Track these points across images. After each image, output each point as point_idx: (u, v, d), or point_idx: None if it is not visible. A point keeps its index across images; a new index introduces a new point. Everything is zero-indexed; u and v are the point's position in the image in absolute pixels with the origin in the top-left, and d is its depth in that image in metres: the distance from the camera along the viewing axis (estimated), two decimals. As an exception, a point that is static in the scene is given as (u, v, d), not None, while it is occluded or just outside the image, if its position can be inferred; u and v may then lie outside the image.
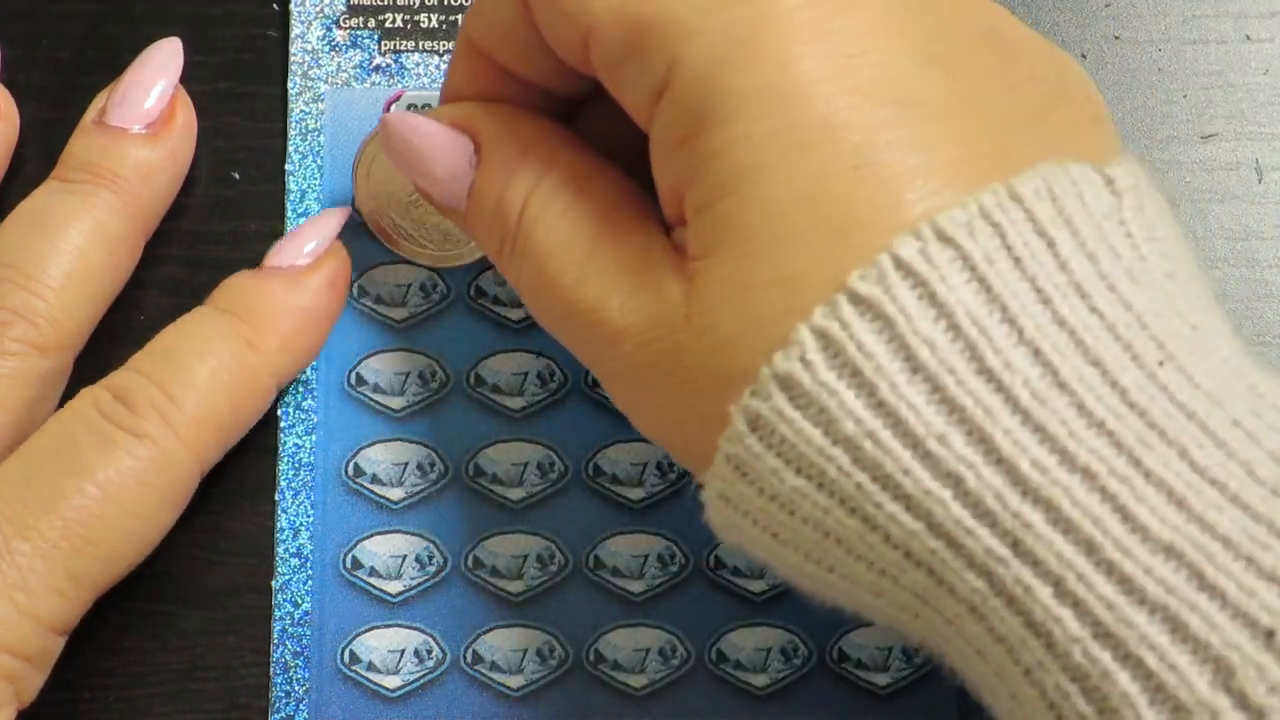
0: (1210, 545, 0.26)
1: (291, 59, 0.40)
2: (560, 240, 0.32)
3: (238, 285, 0.37)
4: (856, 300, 0.28)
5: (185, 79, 0.38)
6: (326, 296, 0.37)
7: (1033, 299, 0.28)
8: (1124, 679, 0.26)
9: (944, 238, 0.28)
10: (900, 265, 0.28)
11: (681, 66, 0.29)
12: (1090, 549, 0.26)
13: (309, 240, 0.37)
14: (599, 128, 0.35)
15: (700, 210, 0.30)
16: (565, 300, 0.32)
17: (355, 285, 0.39)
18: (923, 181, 0.28)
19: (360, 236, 0.39)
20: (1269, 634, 0.25)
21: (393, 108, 0.40)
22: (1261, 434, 0.27)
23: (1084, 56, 0.41)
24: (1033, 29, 0.32)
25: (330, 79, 0.40)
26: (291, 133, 0.40)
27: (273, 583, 0.38)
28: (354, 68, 0.40)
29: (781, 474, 0.29)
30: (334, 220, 0.38)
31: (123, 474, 0.34)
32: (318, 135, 0.40)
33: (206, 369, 0.35)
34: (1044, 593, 0.27)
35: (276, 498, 0.38)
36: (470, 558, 0.38)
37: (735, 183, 0.29)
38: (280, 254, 0.37)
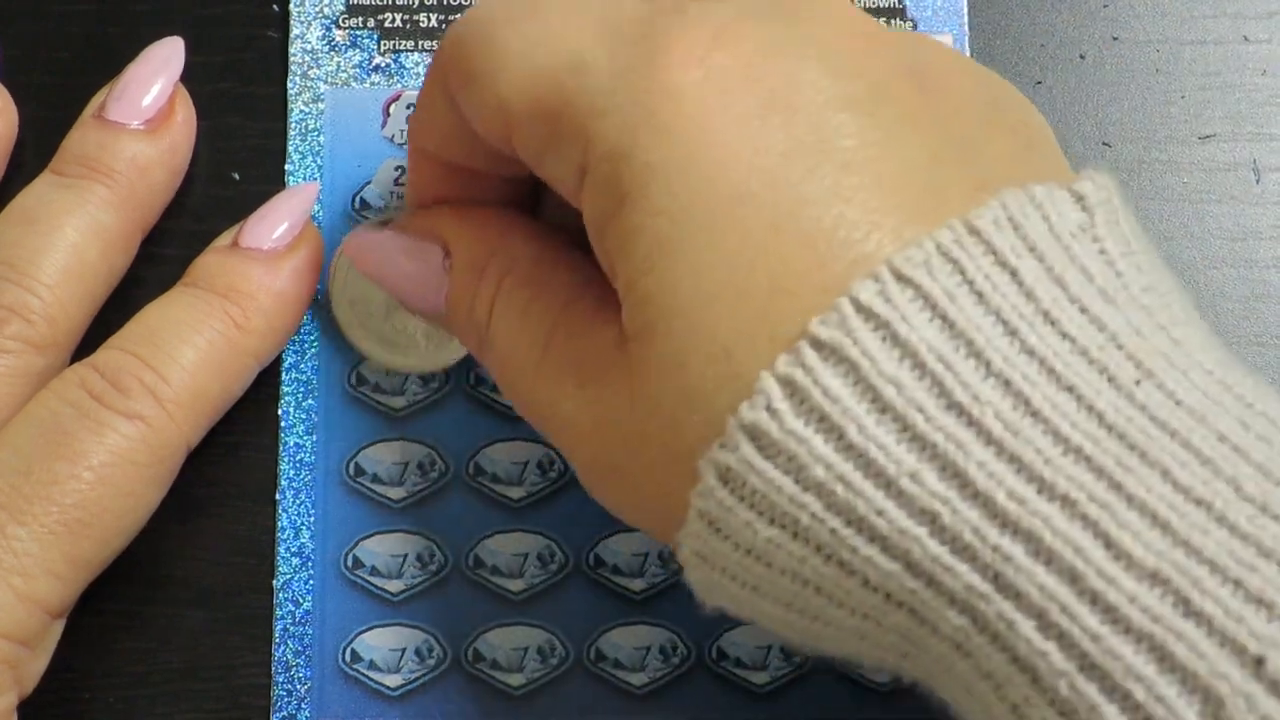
0: (1196, 569, 0.25)
1: (291, 59, 0.40)
2: (517, 341, 0.32)
3: (219, 264, 0.37)
4: (818, 345, 0.27)
5: (185, 79, 0.38)
6: (304, 280, 0.37)
7: (998, 331, 0.27)
8: (1111, 712, 0.25)
9: (902, 278, 0.28)
10: (860, 308, 0.27)
11: (594, 147, 0.29)
12: (1073, 579, 0.26)
13: (282, 220, 0.37)
14: (564, 205, 0.35)
15: (628, 289, 0.30)
16: (525, 400, 0.33)
17: (355, 285, 0.39)
18: (846, 232, 0.28)
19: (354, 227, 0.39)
20: (1258, 661, 0.25)
21: (392, 108, 0.40)
22: (1249, 446, 0.27)
23: (1082, 57, 0.41)
24: (967, 58, 0.32)
25: (330, 79, 0.40)
26: (291, 133, 0.40)
27: (274, 582, 0.38)
28: (353, 68, 0.40)
29: (754, 525, 0.28)
30: (305, 198, 0.38)
31: (115, 455, 0.34)
32: (317, 135, 0.40)
33: (194, 348, 0.35)
34: (1027, 627, 0.26)
35: (277, 497, 0.38)
36: (471, 557, 0.38)
37: (656, 259, 0.29)
38: (253, 233, 0.37)
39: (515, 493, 0.38)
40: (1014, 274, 0.28)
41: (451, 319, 0.34)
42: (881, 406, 0.27)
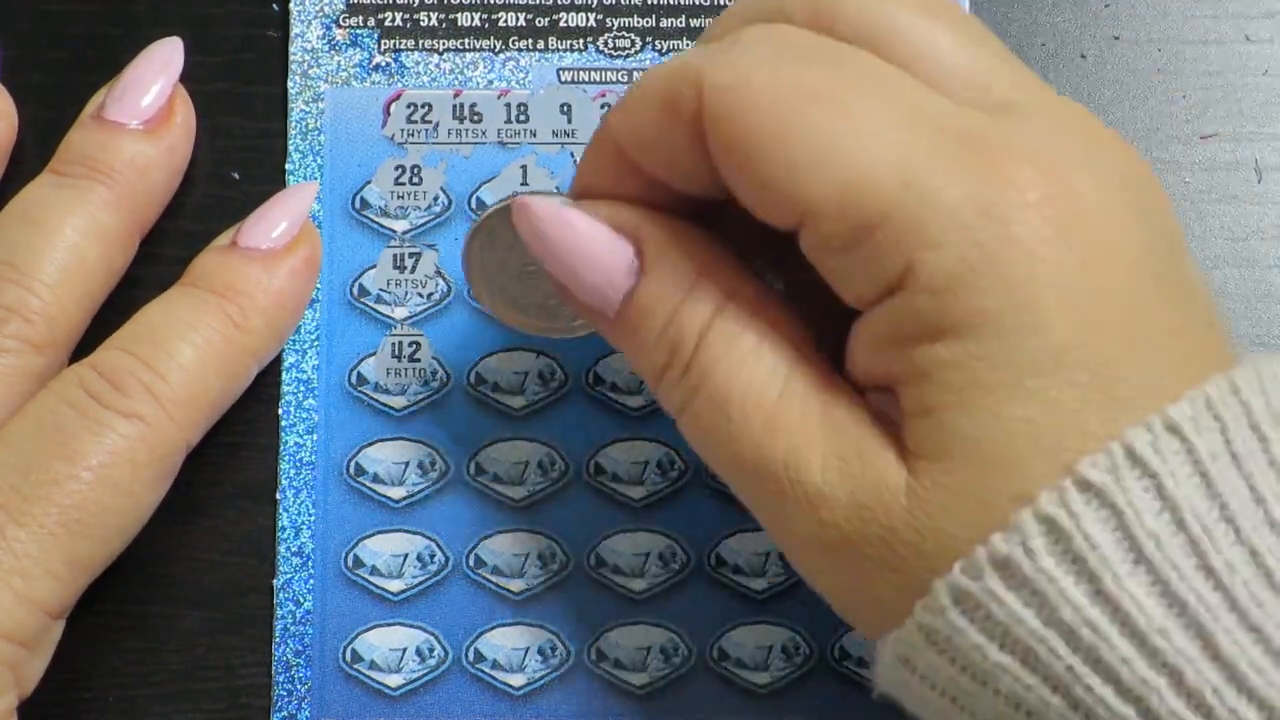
0: None
1: (291, 58, 0.40)
2: (747, 383, 0.31)
3: (218, 264, 0.37)
4: (1085, 487, 0.28)
5: (185, 79, 0.38)
6: (302, 279, 0.37)
7: (1249, 498, 0.28)
8: None
9: (1172, 429, 0.28)
10: (1132, 456, 0.28)
11: (918, 274, 0.29)
12: None
13: (281, 219, 0.37)
14: (734, 227, 0.33)
15: (925, 413, 0.29)
16: (751, 450, 0.31)
17: (355, 284, 0.39)
18: (1150, 400, 0.28)
19: (356, 230, 0.39)
20: None
21: (392, 107, 0.40)
22: None
23: (1083, 57, 0.41)
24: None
25: (330, 78, 0.40)
26: (291, 132, 0.40)
27: (274, 582, 0.37)
28: (354, 67, 0.40)
29: (985, 650, 0.28)
30: (304, 197, 0.38)
31: (114, 455, 0.34)
32: (317, 135, 0.40)
33: (193, 347, 0.35)
34: None
35: (278, 497, 0.38)
36: (472, 556, 0.38)
37: (969, 396, 0.29)
38: (252, 232, 0.37)
39: (517, 493, 0.38)
40: (1264, 440, 0.29)
41: (630, 324, 0.32)
42: (1138, 558, 0.28)
